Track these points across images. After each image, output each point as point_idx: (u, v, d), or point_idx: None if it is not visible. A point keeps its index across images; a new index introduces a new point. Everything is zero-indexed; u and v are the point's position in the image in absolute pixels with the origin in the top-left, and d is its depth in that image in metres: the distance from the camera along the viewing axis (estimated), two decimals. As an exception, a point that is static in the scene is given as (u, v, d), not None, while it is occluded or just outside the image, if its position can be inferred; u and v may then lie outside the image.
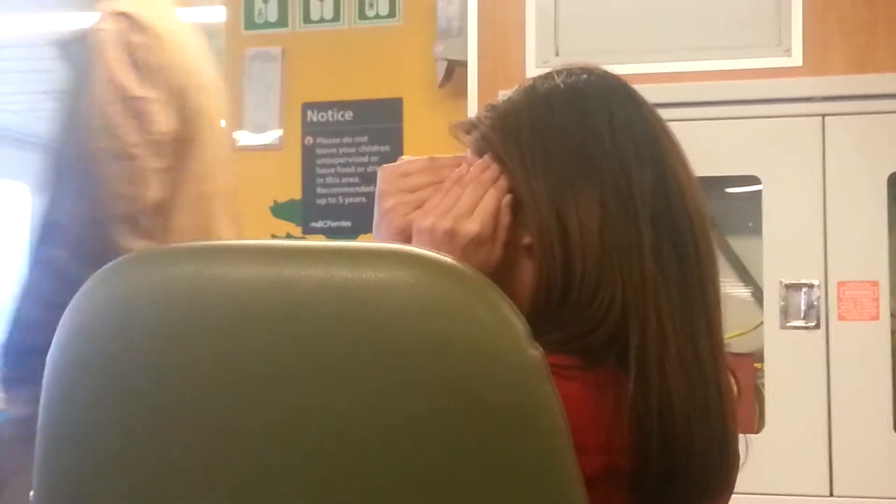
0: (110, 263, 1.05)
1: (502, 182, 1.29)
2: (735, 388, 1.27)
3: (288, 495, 0.96)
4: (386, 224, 1.31)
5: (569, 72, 1.36)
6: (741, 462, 1.30)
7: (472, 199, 1.28)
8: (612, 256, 1.23)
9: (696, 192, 1.31)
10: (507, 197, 1.29)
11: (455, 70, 3.51)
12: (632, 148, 1.28)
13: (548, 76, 1.37)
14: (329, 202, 3.83)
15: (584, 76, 1.36)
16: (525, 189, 1.27)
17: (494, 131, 1.33)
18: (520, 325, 0.97)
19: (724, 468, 1.24)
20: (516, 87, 1.39)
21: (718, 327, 1.29)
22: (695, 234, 1.28)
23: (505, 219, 1.29)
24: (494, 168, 1.30)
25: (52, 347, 1.05)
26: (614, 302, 1.21)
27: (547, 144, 1.28)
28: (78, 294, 1.05)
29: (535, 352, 0.97)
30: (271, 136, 3.91)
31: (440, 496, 0.95)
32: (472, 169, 1.30)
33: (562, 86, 1.34)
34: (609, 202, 1.24)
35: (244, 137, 3.92)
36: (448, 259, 0.99)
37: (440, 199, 1.30)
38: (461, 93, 3.18)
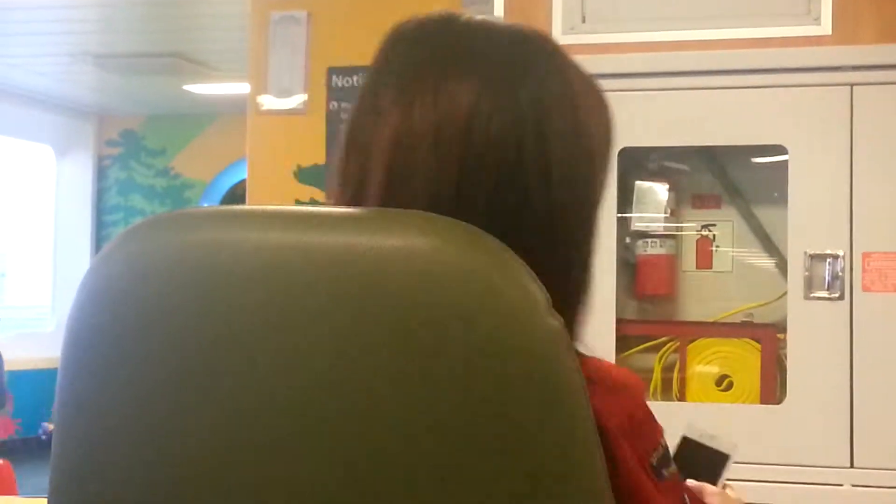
0: (129, 227, 1.05)
1: None
2: None
3: (303, 463, 0.96)
4: None
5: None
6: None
7: None
8: None
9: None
10: None
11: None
12: None
13: None
14: (353, 167, 3.82)
15: None
16: None
17: None
18: (540, 295, 0.97)
19: None
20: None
21: None
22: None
23: None
24: None
25: (71, 310, 1.05)
26: None
27: None
28: (96, 257, 1.05)
29: (554, 321, 0.96)
30: (296, 100, 3.91)
31: (459, 465, 0.94)
32: None
33: None
34: None
35: (268, 102, 3.92)
36: (469, 227, 0.98)
37: None
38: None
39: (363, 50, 3.88)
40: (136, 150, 10.93)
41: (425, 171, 1.11)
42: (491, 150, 1.12)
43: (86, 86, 9.41)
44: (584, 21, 2.99)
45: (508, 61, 1.17)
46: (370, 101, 1.20)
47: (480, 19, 1.21)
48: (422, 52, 1.19)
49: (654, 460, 1.11)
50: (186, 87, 9.16)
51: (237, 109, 5.63)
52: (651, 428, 1.15)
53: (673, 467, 1.16)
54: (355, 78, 3.82)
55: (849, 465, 2.72)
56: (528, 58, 1.20)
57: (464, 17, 1.21)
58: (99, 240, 10.82)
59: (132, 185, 10.92)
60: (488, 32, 1.20)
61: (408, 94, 1.15)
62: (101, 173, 11.00)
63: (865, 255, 2.76)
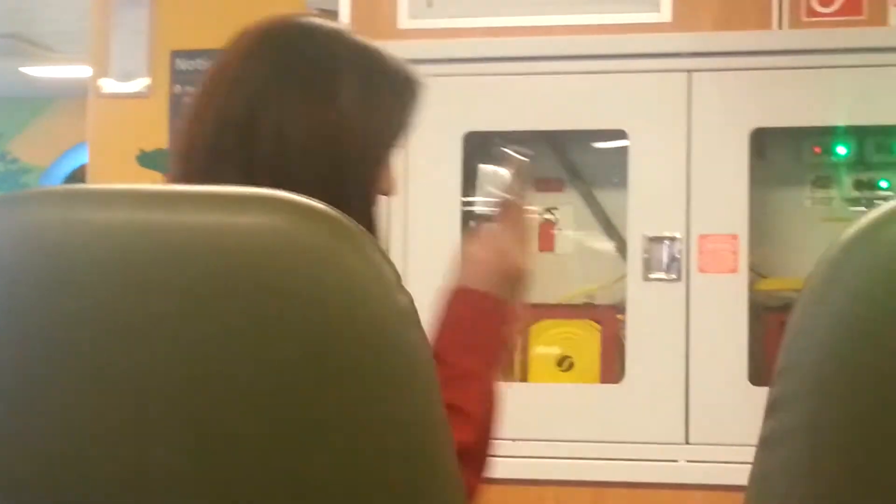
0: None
1: None
2: None
3: (158, 441, 0.96)
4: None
5: None
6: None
7: None
8: None
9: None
10: None
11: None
12: None
13: None
14: (197, 150, 3.78)
15: None
16: None
17: None
18: (390, 272, 0.98)
19: None
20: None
21: None
22: None
23: None
24: None
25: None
26: None
27: None
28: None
29: (404, 298, 0.98)
30: (139, 83, 3.86)
31: (307, 444, 0.95)
32: None
33: None
34: None
35: (110, 85, 3.86)
36: (320, 205, 0.99)
37: None
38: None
39: (208, 33, 3.85)
40: (-26, 133, 10.63)
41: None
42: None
43: (-81, 67, 9.12)
44: (429, 6, 3.01)
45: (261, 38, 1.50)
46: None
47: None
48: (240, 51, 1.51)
49: None
50: (23, 70, 8.93)
51: (77, 93, 5.52)
52: None
53: None
54: (199, 61, 3.78)
55: (684, 441, 2.80)
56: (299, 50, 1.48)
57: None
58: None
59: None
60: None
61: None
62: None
63: (701, 238, 2.84)
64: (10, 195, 1.04)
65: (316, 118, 1.39)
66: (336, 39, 1.47)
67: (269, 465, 0.95)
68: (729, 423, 2.76)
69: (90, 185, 1.08)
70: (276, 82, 1.39)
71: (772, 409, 0.89)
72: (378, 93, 1.47)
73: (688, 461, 2.80)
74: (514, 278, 1.54)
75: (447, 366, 1.35)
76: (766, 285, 2.98)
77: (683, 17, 2.89)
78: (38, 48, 8.00)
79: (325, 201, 0.99)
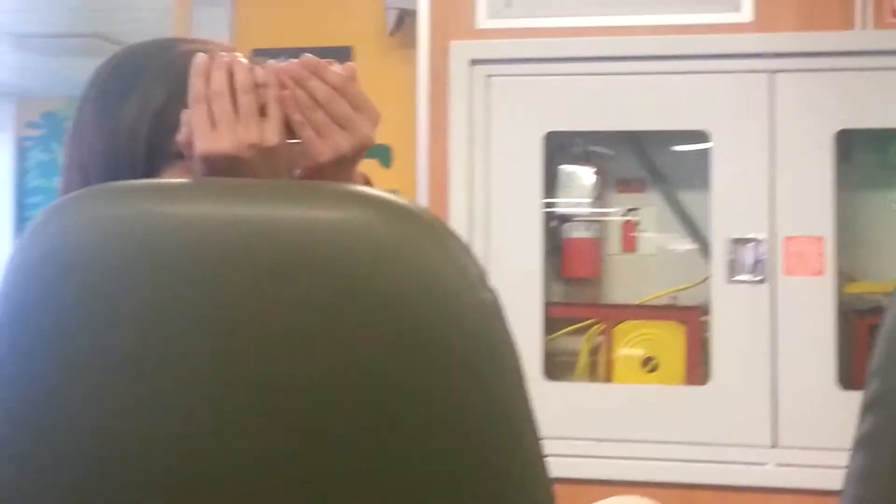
0: (58, 201, 1.04)
1: None
2: None
3: (235, 431, 0.95)
4: None
5: None
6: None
7: None
8: None
9: None
10: None
11: (406, 19, 3.49)
12: None
13: None
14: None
15: None
16: None
17: None
18: (473, 268, 0.97)
19: None
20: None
21: None
22: None
23: None
24: None
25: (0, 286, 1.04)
26: None
27: None
28: (26, 232, 1.03)
29: (488, 294, 0.97)
30: (221, 83, 3.88)
31: (390, 434, 0.95)
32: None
33: None
34: None
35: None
36: (404, 201, 0.98)
37: None
38: (411, 42, 3.16)
39: (288, 32, 3.86)
40: (58, 132, 10.77)
41: None
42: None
43: (5, 66, 9.26)
44: (509, 5, 3.00)
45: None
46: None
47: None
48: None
49: None
50: (108, 70, 9.04)
51: (160, 93, 5.56)
52: None
53: None
54: (280, 60, 3.80)
55: (771, 444, 2.77)
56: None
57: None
58: (20, 221, 10.67)
59: (54, 168, 10.76)
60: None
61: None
62: (21, 155, 10.85)
63: (787, 240, 2.80)
64: (95, 189, 1.04)
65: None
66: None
67: (352, 457, 0.95)
68: (817, 427, 2.72)
69: (175, 180, 1.08)
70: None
71: (868, 408, 0.87)
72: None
73: (776, 464, 2.76)
74: None
75: None
76: (855, 288, 2.93)
77: (765, 18, 2.86)
78: (119, 47, 8.09)
79: None
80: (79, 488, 1.01)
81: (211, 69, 1.28)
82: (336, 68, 1.31)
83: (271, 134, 1.26)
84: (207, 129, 1.26)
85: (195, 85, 1.28)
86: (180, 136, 1.29)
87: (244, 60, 1.30)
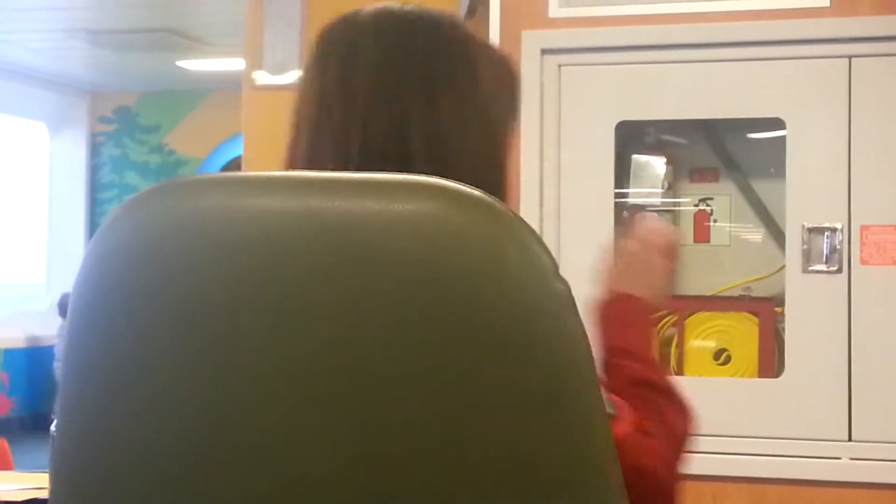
0: (135, 194, 1.05)
1: None
2: None
3: (311, 425, 0.96)
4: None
5: None
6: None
7: None
8: None
9: None
10: None
11: (478, 8, 3.47)
12: None
13: None
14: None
15: None
16: None
17: None
18: (547, 260, 0.97)
19: None
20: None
21: None
22: None
23: None
24: None
25: (77, 277, 1.05)
26: None
27: None
28: (104, 224, 1.04)
29: (562, 286, 0.97)
30: (292, 75, 3.89)
31: (467, 430, 0.94)
32: None
33: None
34: None
35: (263, 77, 3.90)
36: (476, 192, 0.98)
37: None
38: (483, 31, 3.15)
39: (360, 23, 3.80)
40: (130, 127, 10.91)
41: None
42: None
43: (79, 62, 9.39)
44: (581, -6, 2.97)
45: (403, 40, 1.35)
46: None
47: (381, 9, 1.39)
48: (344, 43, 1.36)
49: None
50: (180, 63, 9.14)
51: (231, 85, 5.62)
52: None
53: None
54: (351, 53, 3.80)
55: (847, 438, 2.73)
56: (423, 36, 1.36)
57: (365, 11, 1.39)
58: (93, 217, 10.80)
59: (126, 162, 10.91)
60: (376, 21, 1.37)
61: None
62: (94, 150, 10.98)
63: (863, 228, 2.76)
64: (169, 182, 1.05)
65: (465, 111, 1.35)
66: (458, 30, 1.43)
67: (423, 448, 0.95)
68: (894, 420, 2.68)
69: (248, 173, 1.09)
70: (425, 83, 1.33)
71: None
72: (498, 78, 1.42)
73: (851, 458, 2.72)
74: (663, 277, 1.51)
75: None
76: (931, 277, 2.88)
77: (842, 2, 2.81)
78: (193, 42, 8.18)
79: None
80: (146, 469, 1.01)
81: (651, 234, 1.50)
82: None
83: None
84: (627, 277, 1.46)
85: (632, 243, 1.49)
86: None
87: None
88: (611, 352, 1.37)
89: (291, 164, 1.30)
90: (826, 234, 2.77)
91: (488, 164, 1.34)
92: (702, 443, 2.77)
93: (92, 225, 10.70)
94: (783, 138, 2.85)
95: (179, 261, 1.00)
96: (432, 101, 1.30)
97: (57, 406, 1.09)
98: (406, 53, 1.32)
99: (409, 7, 1.38)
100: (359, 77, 1.31)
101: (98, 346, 1.03)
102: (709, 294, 3.07)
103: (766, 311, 2.96)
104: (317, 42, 1.37)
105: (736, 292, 3.05)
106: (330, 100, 1.30)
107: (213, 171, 10.45)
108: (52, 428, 1.11)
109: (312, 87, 1.33)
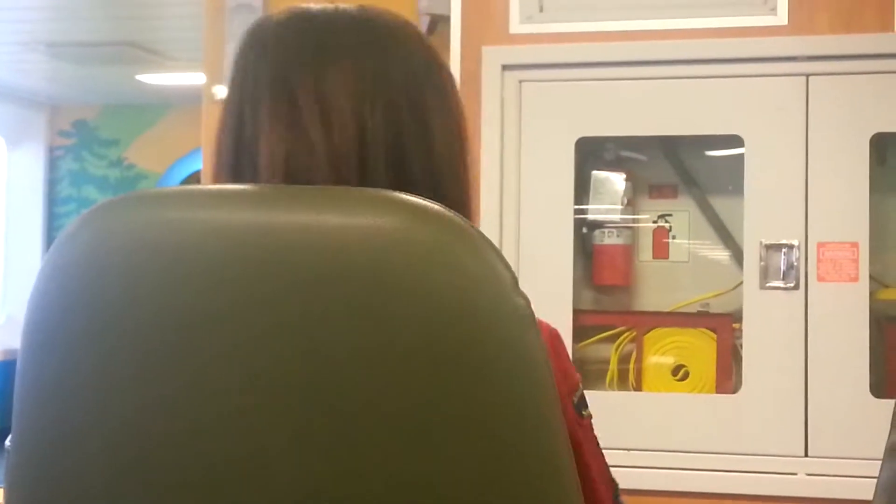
0: (92, 207, 1.04)
1: None
2: None
3: (268, 439, 0.96)
4: None
5: None
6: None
7: None
8: None
9: None
10: None
11: (438, 24, 3.48)
12: None
13: None
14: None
15: None
16: None
17: None
18: (506, 274, 0.97)
19: None
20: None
21: None
22: None
23: None
24: None
25: (33, 290, 1.04)
26: None
27: None
28: (60, 237, 1.04)
29: (521, 300, 0.97)
30: (252, 89, 3.87)
31: (423, 440, 0.94)
32: None
33: None
34: None
35: (223, 92, 3.89)
36: (436, 206, 0.98)
37: None
38: (444, 47, 3.15)
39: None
40: (89, 141, 10.83)
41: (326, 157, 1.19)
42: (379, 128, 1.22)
43: (38, 75, 9.32)
44: (541, 10, 2.99)
45: (373, 43, 1.27)
46: (250, 94, 1.26)
47: (335, 8, 1.30)
48: (294, 45, 1.26)
49: (575, 399, 1.22)
50: (140, 77, 9.09)
51: (191, 100, 5.58)
52: (573, 370, 1.24)
53: (588, 410, 1.25)
54: (311, 67, 3.79)
55: (803, 454, 2.74)
56: (389, 37, 1.29)
57: (318, 8, 1.30)
58: (50, 231, 10.71)
59: (85, 176, 10.83)
60: (349, 20, 1.29)
61: (289, 84, 1.23)
62: (52, 164, 10.90)
63: (820, 245, 2.78)
64: (127, 196, 1.04)
65: (450, 122, 1.30)
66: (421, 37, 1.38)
67: (380, 461, 0.95)
68: (849, 436, 2.70)
69: (208, 186, 1.08)
70: (417, 91, 1.27)
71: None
72: (454, 85, 1.37)
73: (807, 474, 2.74)
74: None
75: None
76: (887, 294, 2.90)
77: (800, 20, 2.83)
78: (154, 55, 8.13)
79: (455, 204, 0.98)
80: (104, 484, 1.00)
81: None
82: None
83: None
84: None
85: None
86: None
87: None
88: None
89: (217, 173, 1.25)
90: (783, 250, 2.79)
91: (451, 174, 1.29)
92: (660, 458, 2.79)
93: (49, 239, 10.61)
94: (741, 155, 2.87)
95: (137, 274, 0.99)
96: (394, 108, 1.24)
97: (13, 421, 1.08)
98: (389, 57, 1.27)
99: (334, 7, 1.31)
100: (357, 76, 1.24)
101: (54, 361, 1.02)
102: (667, 310, 3.09)
103: (724, 327, 2.97)
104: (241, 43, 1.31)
105: (694, 308, 3.06)
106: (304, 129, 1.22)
107: (173, 185, 10.39)
108: (7, 442, 1.10)
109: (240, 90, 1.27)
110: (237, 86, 1.28)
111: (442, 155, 1.26)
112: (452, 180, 1.28)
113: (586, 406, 1.26)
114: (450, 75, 1.32)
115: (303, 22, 1.28)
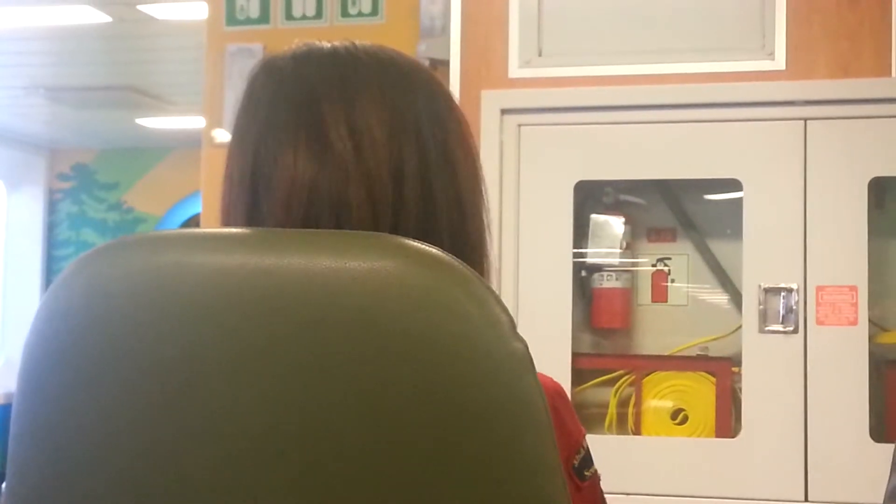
0: (90, 251, 1.03)
1: None
2: None
3: (266, 486, 0.95)
4: None
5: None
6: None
7: None
8: None
9: None
10: None
11: (437, 69, 3.49)
12: None
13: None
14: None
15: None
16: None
17: None
18: (504, 318, 0.96)
19: None
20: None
21: None
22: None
23: None
24: None
25: (29, 334, 1.03)
26: None
27: None
28: (56, 280, 1.03)
29: (519, 345, 0.96)
30: (251, 133, 3.88)
31: (421, 488, 0.93)
32: None
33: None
34: None
35: (223, 135, 3.90)
36: (434, 249, 0.97)
37: None
38: (443, 91, 3.15)
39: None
40: (88, 184, 10.85)
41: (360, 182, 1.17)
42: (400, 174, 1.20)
43: (38, 119, 9.34)
44: (540, 55, 3.00)
45: (399, 78, 1.25)
46: (258, 133, 1.23)
47: (353, 44, 1.28)
48: (317, 75, 1.23)
49: (576, 462, 1.20)
50: (139, 121, 9.12)
51: (191, 144, 5.60)
52: (577, 429, 1.22)
53: (594, 467, 1.23)
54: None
55: (803, 498, 2.73)
56: (413, 75, 1.27)
57: (335, 43, 1.27)
58: (49, 274, 10.71)
59: (84, 220, 10.83)
60: (371, 55, 1.26)
61: (316, 112, 1.20)
62: (52, 207, 10.91)
63: (819, 289, 2.78)
64: (123, 239, 1.04)
65: (470, 165, 1.30)
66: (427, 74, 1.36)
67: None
68: (850, 480, 2.69)
69: (203, 229, 1.08)
70: (441, 130, 1.25)
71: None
72: (470, 131, 1.35)
73: (808, 518, 2.73)
74: None
75: None
76: (887, 338, 2.90)
77: (798, 65, 2.84)
78: (153, 99, 8.16)
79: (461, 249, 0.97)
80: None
81: None
82: None
83: None
84: None
85: None
86: None
87: None
88: None
89: (227, 215, 1.23)
90: (782, 294, 2.79)
91: (474, 214, 1.29)
92: (659, 503, 2.78)
93: (48, 282, 10.60)
94: (740, 199, 2.87)
95: (134, 318, 0.99)
96: (421, 143, 1.23)
97: (8, 466, 1.08)
98: (414, 97, 1.24)
99: (351, 42, 1.28)
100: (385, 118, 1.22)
101: (49, 406, 1.02)
102: (666, 354, 3.08)
103: (723, 371, 2.96)
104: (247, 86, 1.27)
105: (693, 352, 3.06)
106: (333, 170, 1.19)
107: (172, 228, 10.38)
108: (2, 487, 1.10)
109: (253, 122, 1.23)
110: (250, 117, 1.24)
111: (464, 195, 1.26)
112: (474, 221, 1.27)
113: (590, 465, 1.23)
114: (466, 120, 1.31)
115: (323, 56, 1.25)
